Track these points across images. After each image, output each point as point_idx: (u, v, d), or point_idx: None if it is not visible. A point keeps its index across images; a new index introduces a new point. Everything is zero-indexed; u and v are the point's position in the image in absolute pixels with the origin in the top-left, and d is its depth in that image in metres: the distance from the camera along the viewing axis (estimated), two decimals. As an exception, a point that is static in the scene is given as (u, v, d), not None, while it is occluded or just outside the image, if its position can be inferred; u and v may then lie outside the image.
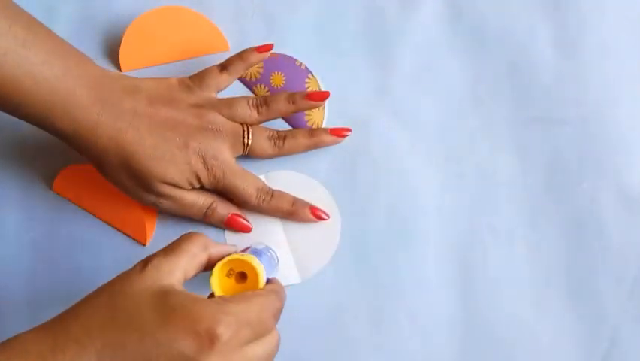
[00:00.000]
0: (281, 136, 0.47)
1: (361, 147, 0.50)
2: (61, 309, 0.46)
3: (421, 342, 0.46)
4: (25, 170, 0.49)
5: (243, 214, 0.48)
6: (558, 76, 0.51)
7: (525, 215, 0.49)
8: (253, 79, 0.51)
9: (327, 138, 0.48)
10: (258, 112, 0.47)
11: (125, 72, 0.51)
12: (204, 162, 0.44)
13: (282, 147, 0.47)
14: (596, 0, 0.52)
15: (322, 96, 0.47)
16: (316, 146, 0.48)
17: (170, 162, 0.43)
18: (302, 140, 0.48)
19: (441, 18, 0.52)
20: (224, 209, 0.47)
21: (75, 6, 0.52)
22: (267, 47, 0.47)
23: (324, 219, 0.48)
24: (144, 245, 0.48)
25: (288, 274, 0.47)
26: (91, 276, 0.47)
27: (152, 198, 0.45)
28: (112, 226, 0.48)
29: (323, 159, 0.50)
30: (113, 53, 0.51)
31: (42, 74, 0.40)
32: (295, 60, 0.51)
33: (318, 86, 0.50)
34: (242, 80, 0.51)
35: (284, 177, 0.49)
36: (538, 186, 0.49)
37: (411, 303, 0.47)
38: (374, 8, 0.52)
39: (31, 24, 0.41)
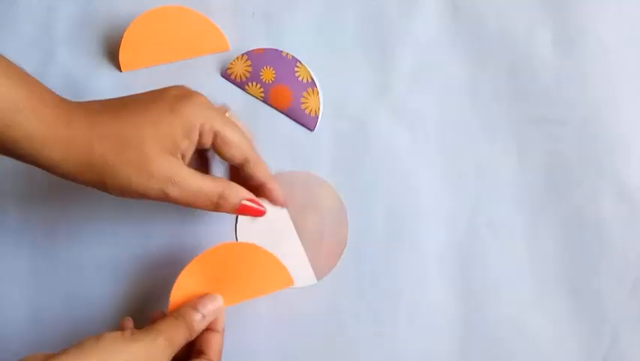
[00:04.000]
0: None
1: (361, 147, 0.50)
2: (61, 309, 0.46)
3: (421, 342, 0.46)
4: (25, 170, 0.49)
5: (255, 198, 0.43)
6: (558, 76, 0.51)
7: (525, 215, 0.49)
8: (243, 78, 0.51)
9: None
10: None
11: (125, 72, 0.51)
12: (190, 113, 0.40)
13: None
14: (596, 0, 0.52)
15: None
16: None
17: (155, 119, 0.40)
18: None
19: (441, 18, 0.52)
20: (235, 196, 0.42)
21: (75, 6, 0.52)
22: None
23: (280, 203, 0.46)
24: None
25: (303, 275, 0.47)
26: (91, 276, 0.47)
27: (158, 184, 0.40)
28: None
29: (323, 159, 0.50)
30: (113, 53, 0.51)
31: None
32: (281, 52, 0.51)
33: (308, 73, 0.50)
34: (232, 81, 0.51)
35: (290, 175, 0.49)
36: (538, 185, 0.49)
37: (411, 303, 0.47)
38: (374, 8, 0.53)
39: None
